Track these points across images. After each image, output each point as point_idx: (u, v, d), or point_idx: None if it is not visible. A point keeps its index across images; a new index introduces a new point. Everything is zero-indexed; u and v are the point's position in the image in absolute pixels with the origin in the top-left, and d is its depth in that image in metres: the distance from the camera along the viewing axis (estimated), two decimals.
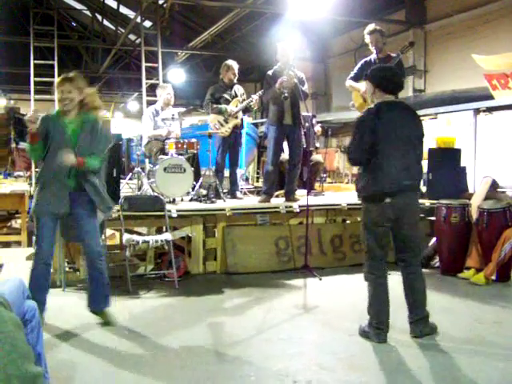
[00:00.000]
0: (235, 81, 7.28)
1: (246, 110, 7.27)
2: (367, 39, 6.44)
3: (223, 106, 7.03)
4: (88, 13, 18.09)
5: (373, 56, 6.45)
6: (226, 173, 7.53)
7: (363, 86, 6.45)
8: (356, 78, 6.63)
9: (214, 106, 7.04)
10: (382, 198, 3.85)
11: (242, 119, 7.24)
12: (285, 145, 7.16)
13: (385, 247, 4.01)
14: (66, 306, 4.81)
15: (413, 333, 3.99)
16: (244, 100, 7.15)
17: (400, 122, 3.91)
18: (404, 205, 3.90)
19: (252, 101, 7.04)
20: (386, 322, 3.93)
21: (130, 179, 8.14)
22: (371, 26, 6.42)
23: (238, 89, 7.32)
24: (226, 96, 7.15)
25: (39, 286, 4.08)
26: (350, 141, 4.05)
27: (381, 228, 3.94)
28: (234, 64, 7.19)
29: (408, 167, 3.88)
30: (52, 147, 4.10)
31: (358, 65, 6.68)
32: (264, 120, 9.93)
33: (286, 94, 6.32)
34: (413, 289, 4.02)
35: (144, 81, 12.70)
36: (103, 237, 5.55)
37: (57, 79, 4.30)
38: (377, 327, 3.92)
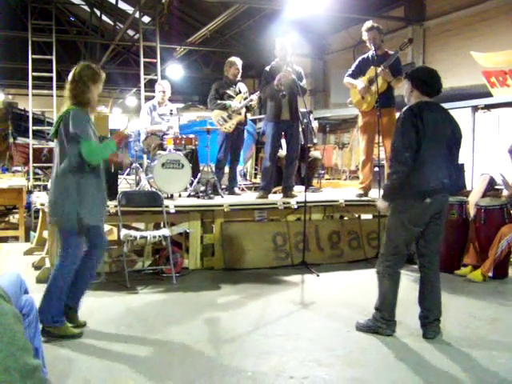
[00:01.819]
0: (239, 77, 7.30)
1: (247, 109, 7.29)
2: (365, 36, 6.44)
3: (228, 102, 7.03)
4: (86, 8, 18.04)
5: (370, 53, 6.44)
6: (226, 169, 7.52)
7: (360, 83, 6.46)
8: (354, 75, 6.63)
9: (219, 101, 7.06)
10: (424, 196, 3.78)
11: (245, 115, 7.25)
12: (283, 141, 7.17)
13: (409, 246, 4.02)
14: None
15: (426, 335, 3.93)
16: (247, 98, 7.16)
17: (441, 123, 3.87)
18: (441, 204, 3.88)
19: (252, 100, 7.07)
20: (395, 316, 3.99)
21: (128, 175, 8.13)
22: (369, 23, 6.43)
23: (242, 86, 7.34)
24: (229, 92, 7.16)
25: (66, 285, 3.98)
26: (394, 141, 3.88)
27: (416, 228, 3.89)
28: (236, 60, 7.22)
29: (446, 167, 3.86)
30: None
31: (356, 62, 6.69)
32: (262, 116, 9.95)
33: (283, 93, 6.34)
34: (430, 289, 3.98)
35: (142, 76, 12.68)
36: None
37: (102, 74, 4.16)
38: (390, 319, 3.96)
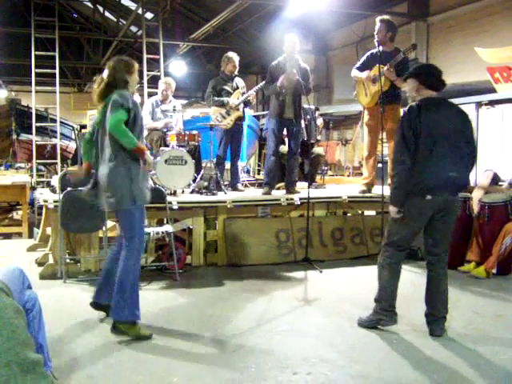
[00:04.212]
0: (236, 72, 7.29)
1: (245, 104, 7.29)
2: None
3: (225, 99, 7.04)
4: (89, 4, 18.02)
5: (381, 48, 6.29)
6: (227, 165, 7.52)
7: (365, 73, 6.42)
8: (361, 69, 6.59)
9: (216, 98, 7.06)
10: (424, 193, 3.79)
11: (243, 111, 7.24)
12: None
13: (411, 241, 4.04)
14: (67, 298, 4.82)
15: (432, 332, 3.92)
16: (244, 93, 7.16)
17: (445, 119, 3.83)
18: (446, 202, 3.84)
19: (250, 96, 7.07)
20: (395, 307, 3.99)
21: None
22: (382, 16, 6.35)
23: (239, 81, 7.33)
24: (227, 88, 7.16)
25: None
26: (395, 142, 3.91)
27: (416, 224, 3.91)
28: (234, 56, 7.20)
29: (451, 164, 3.80)
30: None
31: (364, 56, 6.64)
32: (265, 112, 9.94)
33: (283, 97, 6.40)
34: (438, 286, 3.95)
35: (145, 73, 12.69)
36: (104, 228, 5.54)
37: (135, 64, 4.25)
38: (391, 310, 3.96)
